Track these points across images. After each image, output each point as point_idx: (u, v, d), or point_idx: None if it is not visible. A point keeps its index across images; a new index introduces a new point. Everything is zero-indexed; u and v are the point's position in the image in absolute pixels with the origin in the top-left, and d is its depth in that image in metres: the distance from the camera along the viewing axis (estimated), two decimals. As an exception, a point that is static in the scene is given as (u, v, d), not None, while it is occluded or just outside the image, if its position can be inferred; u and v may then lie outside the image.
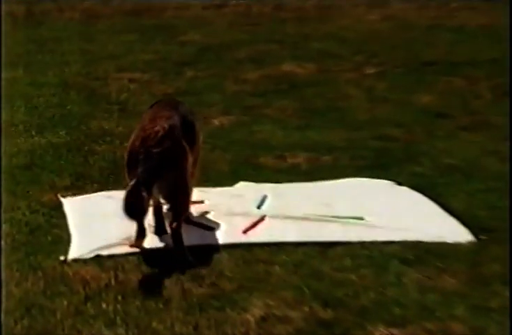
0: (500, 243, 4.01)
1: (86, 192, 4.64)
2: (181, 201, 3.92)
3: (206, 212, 4.38)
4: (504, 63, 7.59)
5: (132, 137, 3.92)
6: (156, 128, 3.81)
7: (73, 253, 3.89)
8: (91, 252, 3.89)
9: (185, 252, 3.82)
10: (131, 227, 3.93)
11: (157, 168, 3.72)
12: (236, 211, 4.41)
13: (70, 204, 4.47)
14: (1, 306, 3.42)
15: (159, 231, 4.07)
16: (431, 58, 7.87)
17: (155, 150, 3.74)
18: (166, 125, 3.83)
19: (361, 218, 4.28)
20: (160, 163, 3.73)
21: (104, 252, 3.88)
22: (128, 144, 3.94)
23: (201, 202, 4.54)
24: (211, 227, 4.19)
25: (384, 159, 5.30)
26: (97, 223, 4.22)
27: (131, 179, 3.71)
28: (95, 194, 4.61)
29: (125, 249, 3.92)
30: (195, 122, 4.19)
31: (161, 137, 3.78)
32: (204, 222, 4.24)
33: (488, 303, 3.46)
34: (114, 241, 3.98)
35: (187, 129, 4.00)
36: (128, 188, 3.65)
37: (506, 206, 4.44)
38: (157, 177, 3.72)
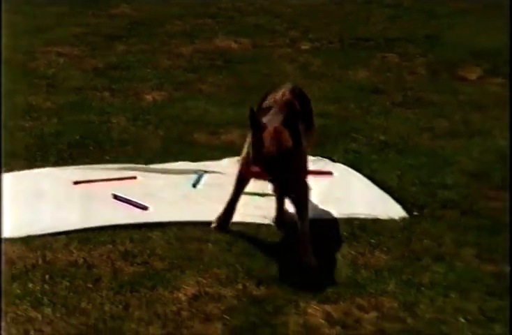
0: (431, 219, 4.11)
1: (12, 169, 4.57)
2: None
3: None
4: (439, 39, 7.71)
5: None
6: None
7: (4, 233, 3.82)
8: (20, 230, 3.83)
9: (310, 253, 3.66)
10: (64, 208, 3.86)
11: None
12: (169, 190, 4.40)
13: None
14: None
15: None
16: (366, 34, 7.93)
17: None
18: None
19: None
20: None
21: (36, 232, 3.83)
22: None
23: (134, 177, 4.53)
24: (144, 206, 4.18)
25: (318, 136, 5.34)
26: (29, 202, 4.17)
27: None
28: (27, 171, 4.54)
29: (57, 227, 3.88)
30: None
31: None
32: (137, 201, 4.23)
33: (419, 278, 3.54)
34: (45, 221, 3.95)
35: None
36: None
37: (437, 182, 4.55)
38: None
